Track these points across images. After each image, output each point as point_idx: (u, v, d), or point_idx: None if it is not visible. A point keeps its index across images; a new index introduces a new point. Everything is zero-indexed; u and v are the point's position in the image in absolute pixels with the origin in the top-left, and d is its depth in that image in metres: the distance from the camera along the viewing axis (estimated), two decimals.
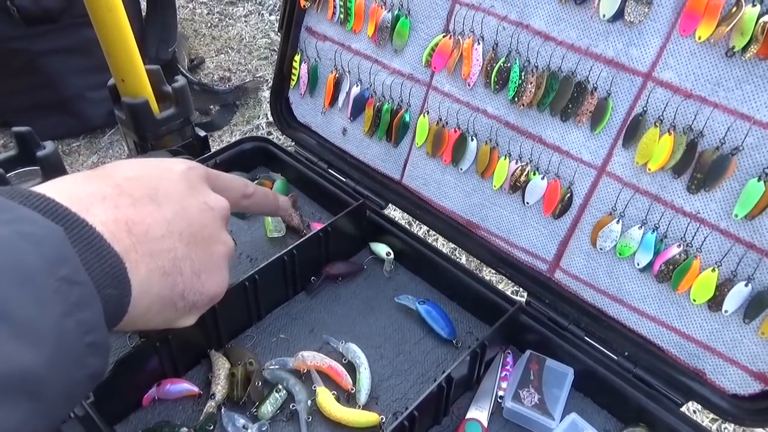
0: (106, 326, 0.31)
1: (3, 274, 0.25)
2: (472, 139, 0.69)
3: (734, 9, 0.49)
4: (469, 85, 0.68)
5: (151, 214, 0.36)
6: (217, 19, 2.27)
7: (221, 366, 0.62)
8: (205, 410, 0.58)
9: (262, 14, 2.25)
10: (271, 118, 1.80)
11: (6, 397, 0.23)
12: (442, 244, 1.29)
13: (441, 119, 0.71)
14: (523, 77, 0.63)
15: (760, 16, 0.48)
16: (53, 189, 0.32)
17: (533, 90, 0.62)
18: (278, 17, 2.18)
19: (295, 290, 0.71)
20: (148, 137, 0.85)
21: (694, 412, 1.16)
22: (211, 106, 1.81)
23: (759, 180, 0.51)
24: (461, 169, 0.71)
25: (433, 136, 0.72)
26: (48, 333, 0.26)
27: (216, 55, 2.09)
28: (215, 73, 2.01)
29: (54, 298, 0.27)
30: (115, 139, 1.80)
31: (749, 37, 0.49)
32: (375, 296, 0.72)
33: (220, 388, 0.59)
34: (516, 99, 0.64)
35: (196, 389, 0.60)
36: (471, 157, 0.70)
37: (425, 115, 0.73)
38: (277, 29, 2.18)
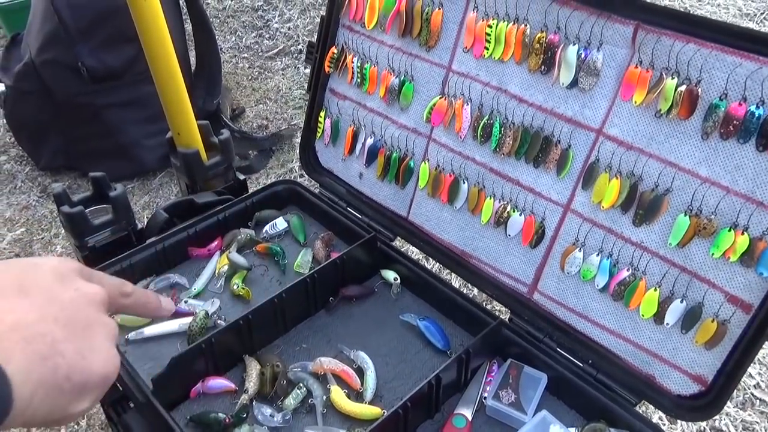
0: None
1: None
2: (464, 182, 0.82)
3: (659, 80, 0.62)
4: (460, 137, 0.81)
5: (20, 302, 0.35)
6: (257, 72, 2.49)
7: (253, 367, 0.75)
8: (239, 402, 0.71)
9: (298, 68, 2.47)
10: None
11: None
12: (439, 270, 1.39)
13: (439, 165, 0.85)
14: (502, 131, 0.76)
15: (677, 86, 0.61)
16: None
17: (511, 142, 0.76)
18: None
19: (316, 308, 0.84)
20: (197, 180, 1.00)
21: (646, 409, 1.21)
22: (250, 152, 1.99)
23: (685, 215, 0.63)
24: (456, 207, 0.84)
25: (433, 180, 0.85)
26: None
27: (255, 105, 2.29)
28: (254, 122, 2.21)
29: None
30: (165, 181, 1.99)
31: (671, 102, 0.62)
32: (383, 314, 0.83)
33: (252, 385, 0.72)
34: (498, 149, 0.77)
35: (232, 385, 0.73)
36: (463, 197, 0.83)
37: (426, 162, 0.86)
38: None
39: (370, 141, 0.93)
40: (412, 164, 0.88)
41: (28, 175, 2.02)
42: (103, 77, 1.79)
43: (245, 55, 2.55)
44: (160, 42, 0.90)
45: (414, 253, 1.41)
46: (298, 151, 1.98)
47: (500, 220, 0.79)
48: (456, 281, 1.39)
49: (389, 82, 0.87)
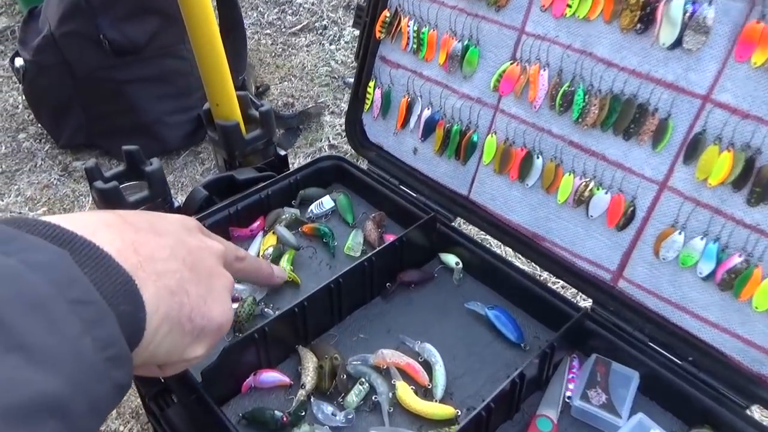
0: (128, 343, 0.31)
1: (13, 304, 0.25)
2: (538, 157, 0.74)
3: None
4: (534, 107, 0.73)
5: (154, 239, 0.37)
6: (280, 49, 2.40)
7: (309, 360, 0.68)
8: (296, 398, 0.64)
9: (323, 44, 2.37)
10: (333, 141, 1.90)
11: (32, 419, 0.23)
12: (505, 254, 1.30)
13: (508, 139, 0.76)
14: (586, 100, 0.68)
15: None
16: (59, 218, 0.33)
17: (597, 111, 0.67)
18: (338, 47, 2.29)
19: (372, 295, 0.76)
20: (236, 155, 0.93)
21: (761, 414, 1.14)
22: (277, 130, 1.92)
23: None
24: (527, 185, 0.76)
25: (501, 155, 0.77)
26: (65, 355, 0.26)
27: (280, 83, 2.21)
28: (279, 99, 2.13)
29: (67, 320, 0.27)
30: (189, 160, 1.92)
31: None
32: (445, 302, 0.76)
33: (309, 380, 0.65)
34: (580, 120, 0.69)
35: (287, 379, 0.67)
36: (536, 173, 0.75)
37: (493, 134, 0.78)
38: (337, 58, 2.29)
39: (426, 113, 0.85)
40: (475, 138, 0.80)
41: (48, 153, 1.96)
42: (125, 51, 1.71)
43: (268, 31, 2.46)
44: (199, 4, 0.82)
45: (475, 234, 1.31)
46: (328, 129, 1.95)
47: (581, 199, 0.71)
48: (523, 266, 1.28)
49: (450, 48, 0.79)
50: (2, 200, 1.77)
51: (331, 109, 2.02)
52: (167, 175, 1.81)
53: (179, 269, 0.37)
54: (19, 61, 1.84)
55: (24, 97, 2.00)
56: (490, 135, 0.78)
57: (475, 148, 0.81)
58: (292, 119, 1.92)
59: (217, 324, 0.40)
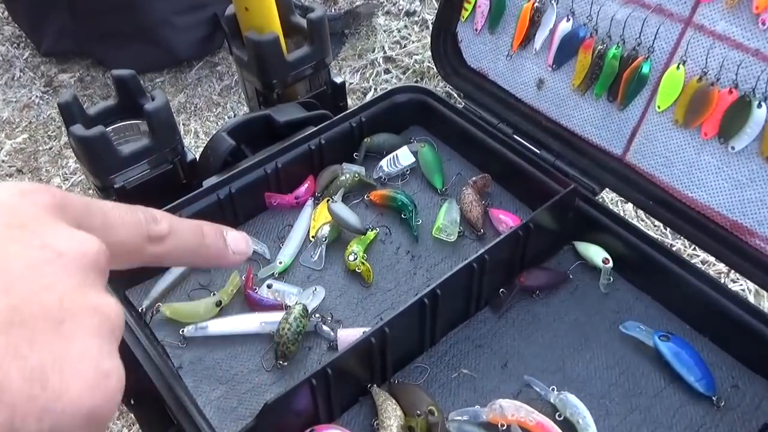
0: None
1: None
2: (760, 105, 0.55)
3: None
4: (762, 23, 0.53)
5: None
6: None
7: (391, 412, 0.54)
8: None
9: None
10: (389, 52, 1.70)
11: None
12: (683, 250, 1.10)
13: (706, 73, 0.59)
14: None
15: None
16: None
17: None
18: None
19: (478, 305, 0.64)
20: (274, 85, 0.78)
21: None
22: None
23: None
24: (733, 148, 0.58)
25: (690, 97, 0.60)
26: None
27: None
28: None
29: None
30: (204, 74, 1.78)
31: None
32: (588, 320, 0.63)
33: None
34: None
35: None
36: (754, 131, 0.57)
37: (679, 65, 0.60)
38: None
39: (565, 26, 0.67)
40: (646, 68, 0.63)
41: (28, 62, 1.84)
42: None
43: None
44: None
45: (634, 217, 1.12)
46: (382, 36, 1.75)
47: None
48: (709, 269, 1.08)
49: None
50: None
51: (386, 8, 1.81)
52: (177, 94, 1.68)
53: None
54: None
55: None
56: (673, 65, 0.60)
57: (643, 84, 0.64)
58: (336, 22, 1.74)
59: (83, 412, 0.26)
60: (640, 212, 1.09)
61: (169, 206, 0.66)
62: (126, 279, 0.67)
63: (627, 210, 1.10)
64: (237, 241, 0.40)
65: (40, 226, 0.29)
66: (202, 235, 0.38)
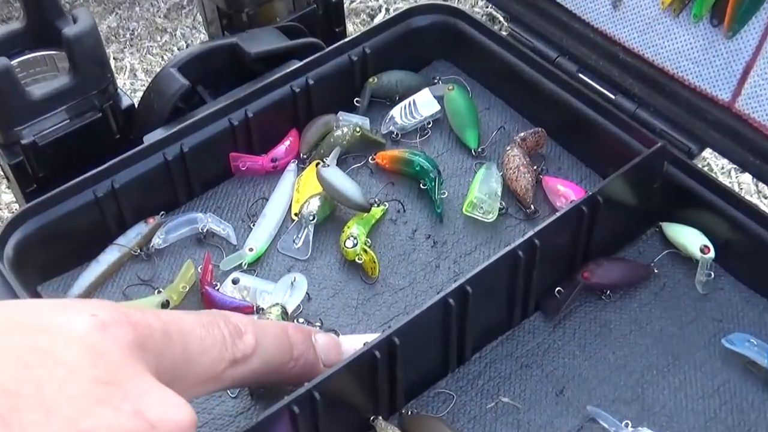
0: None
1: None
2: None
3: None
4: None
5: None
6: None
7: None
8: None
9: None
10: None
11: None
12: None
13: None
14: None
15: None
16: None
17: None
18: None
19: (525, 311, 0.61)
20: (244, 1, 0.76)
21: None
22: None
23: None
24: None
25: None
26: None
27: None
28: None
29: None
30: None
31: None
32: (679, 331, 0.60)
33: None
34: None
35: None
36: None
37: None
38: None
39: None
40: None
41: None
42: None
43: None
44: None
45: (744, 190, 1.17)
46: None
47: None
48: None
49: None
50: None
51: None
52: (106, 15, 1.68)
53: None
54: None
55: None
56: None
57: (761, 3, 0.60)
58: None
59: None
60: (762, 185, 1.10)
61: (95, 171, 0.62)
62: (38, 271, 0.65)
63: (744, 183, 1.05)
64: (328, 348, 0.45)
65: (127, 380, 0.32)
66: (290, 347, 0.43)
